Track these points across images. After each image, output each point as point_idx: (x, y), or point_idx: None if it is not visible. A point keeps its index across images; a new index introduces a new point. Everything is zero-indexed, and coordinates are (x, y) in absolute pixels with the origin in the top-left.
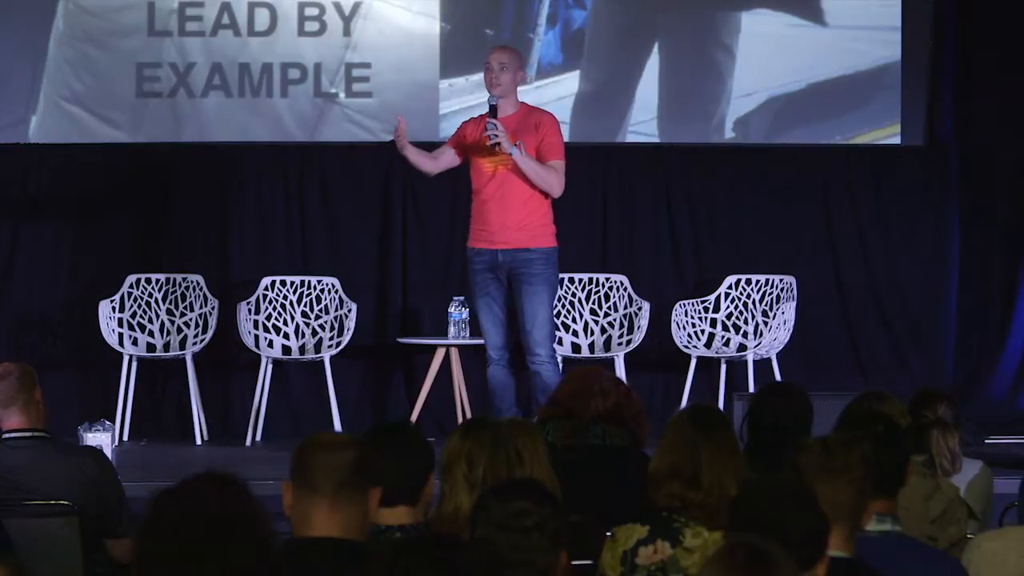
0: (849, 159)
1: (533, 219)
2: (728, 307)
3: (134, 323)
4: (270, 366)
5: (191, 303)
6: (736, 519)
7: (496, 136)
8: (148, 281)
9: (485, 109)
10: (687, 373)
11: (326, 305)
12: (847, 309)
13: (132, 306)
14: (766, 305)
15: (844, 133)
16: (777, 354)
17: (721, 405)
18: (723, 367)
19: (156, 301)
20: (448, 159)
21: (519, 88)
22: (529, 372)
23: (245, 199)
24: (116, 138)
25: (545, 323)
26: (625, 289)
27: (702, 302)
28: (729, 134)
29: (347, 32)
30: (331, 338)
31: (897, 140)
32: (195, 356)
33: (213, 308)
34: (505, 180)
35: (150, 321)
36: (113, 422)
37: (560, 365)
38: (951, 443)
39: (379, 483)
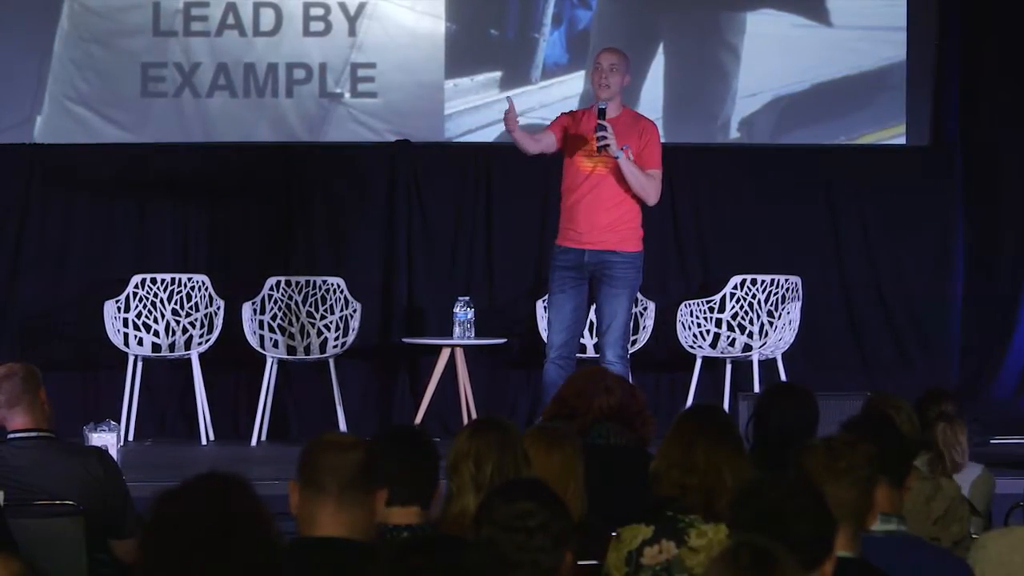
0: (854, 159)
1: (623, 223)
2: (733, 307)
3: (139, 323)
4: (275, 366)
5: (196, 303)
6: (742, 518)
7: (605, 139)
8: (153, 281)
9: (491, 109)
10: (692, 373)
11: (331, 305)
12: (852, 309)
13: (137, 306)
14: (771, 305)
15: (849, 133)
16: (782, 354)
17: (726, 405)
18: (728, 367)
19: (161, 301)
20: (547, 143)
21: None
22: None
23: (250, 199)
24: (121, 138)
25: (621, 326)
26: None
27: (707, 302)
28: (734, 134)
29: (352, 32)
30: (336, 338)
31: (902, 140)
32: (200, 356)
33: (218, 308)
34: (600, 181)
35: (155, 321)
36: (118, 422)
37: (627, 366)
38: (960, 435)
39: (385, 484)
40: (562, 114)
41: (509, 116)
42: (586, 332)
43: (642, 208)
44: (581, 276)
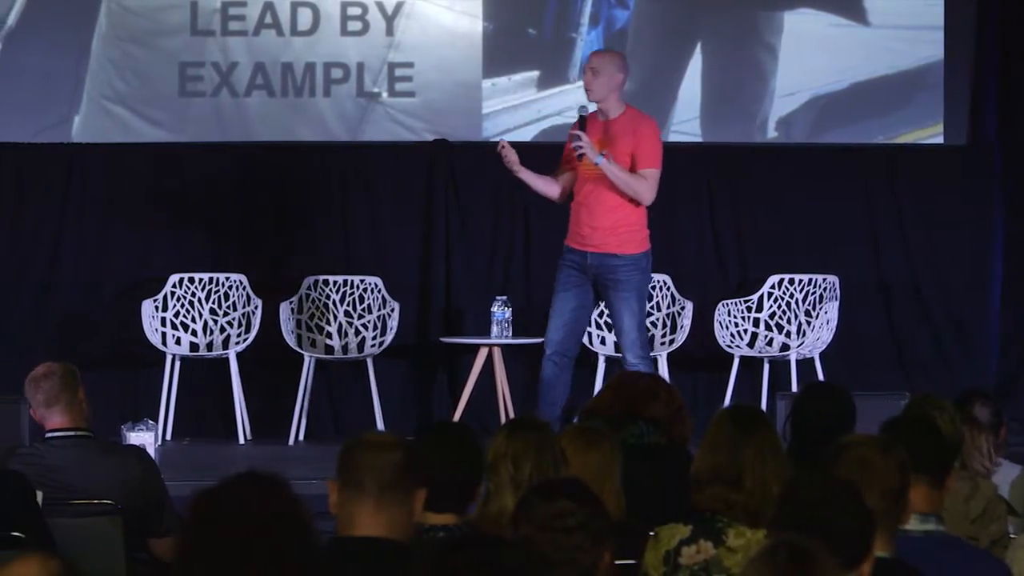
0: (892, 159)
1: (623, 225)
2: (771, 307)
3: (177, 322)
4: (313, 365)
5: (234, 302)
6: (782, 517)
7: (581, 147)
8: (191, 280)
9: (529, 109)
10: (730, 373)
11: (369, 305)
12: (890, 309)
13: (175, 305)
14: (809, 305)
15: (887, 133)
16: (820, 354)
17: (764, 405)
18: (766, 367)
19: (199, 300)
20: (568, 180)
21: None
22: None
23: (288, 199)
24: (159, 138)
25: (633, 329)
26: (668, 288)
27: (745, 301)
28: (772, 134)
29: (390, 32)
30: (374, 338)
31: (940, 140)
32: (238, 355)
33: (256, 307)
34: (599, 185)
35: (193, 320)
36: (156, 421)
37: (651, 365)
38: (979, 442)
39: (425, 484)
40: (569, 134)
41: (510, 160)
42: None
43: (649, 208)
44: (585, 277)
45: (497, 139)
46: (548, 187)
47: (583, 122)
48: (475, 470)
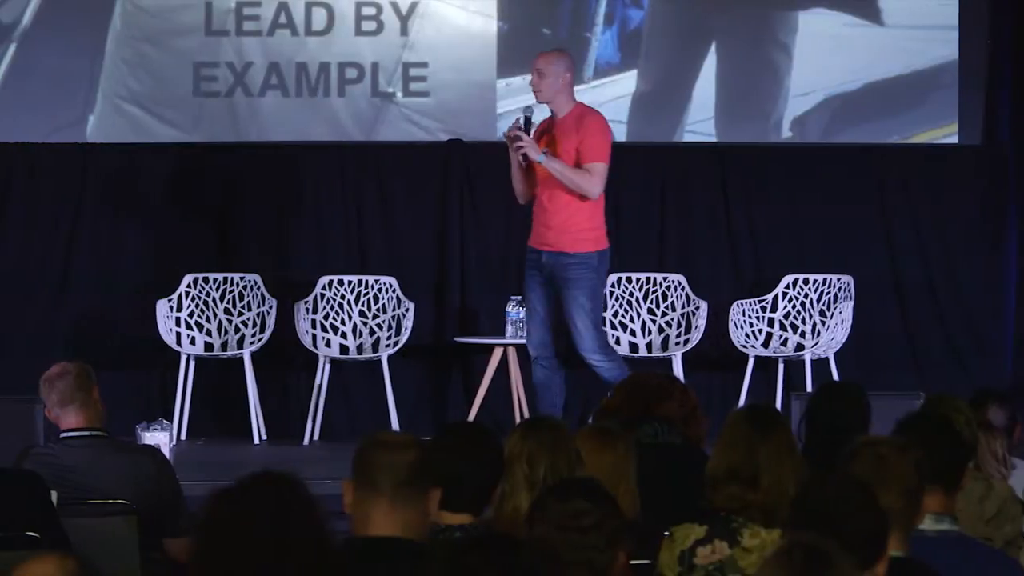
0: (906, 158)
1: (573, 223)
2: (785, 306)
3: (192, 322)
4: (328, 365)
5: (249, 302)
6: (797, 517)
7: (522, 147)
8: (206, 280)
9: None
10: (745, 373)
11: (384, 304)
12: (905, 308)
13: (190, 305)
14: (823, 304)
15: (901, 132)
16: (835, 353)
17: (779, 405)
18: (781, 367)
19: (214, 300)
20: (532, 181)
21: (577, 87)
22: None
23: (303, 198)
24: (173, 138)
25: (588, 327)
26: (683, 288)
27: (759, 301)
28: (786, 133)
29: (404, 31)
30: (389, 337)
31: (954, 139)
32: (253, 355)
33: (271, 307)
34: (550, 184)
35: (208, 320)
36: (171, 421)
37: (617, 361)
38: (994, 446)
39: (442, 485)
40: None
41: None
42: (639, 332)
43: (604, 206)
44: (544, 275)
45: None
46: (517, 185)
47: (527, 122)
48: (494, 471)
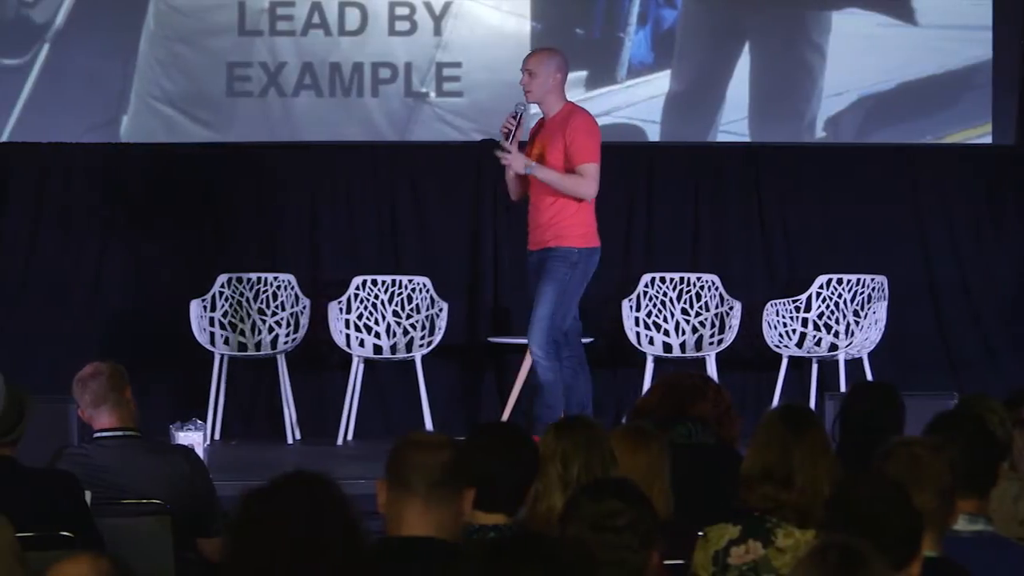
0: (940, 158)
1: (558, 220)
2: (819, 306)
3: (225, 322)
4: (361, 365)
5: (282, 302)
6: (831, 518)
7: (507, 162)
8: (239, 280)
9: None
10: (778, 373)
11: (417, 304)
12: (938, 308)
13: (223, 305)
14: (857, 304)
15: (935, 132)
16: (869, 353)
17: (813, 405)
18: (814, 367)
19: (248, 300)
20: (524, 181)
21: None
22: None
23: (336, 198)
24: (207, 138)
25: (543, 318)
26: (716, 289)
27: (793, 301)
28: (820, 133)
29: (438, 31)
30: (422, 337)
31: (988, 139)
32: (286, 355)
33: (304, 307)
34: (537, 185)
35: (242, 320)
36: (204, 421)
37: (556, 369)
38: None
39: (476, 485)
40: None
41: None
42: (673, 332)
43: (595, 204)
44: (538, 277)
45: None
46: (510, 183)
47: (517, 119)
48: (528, 470)
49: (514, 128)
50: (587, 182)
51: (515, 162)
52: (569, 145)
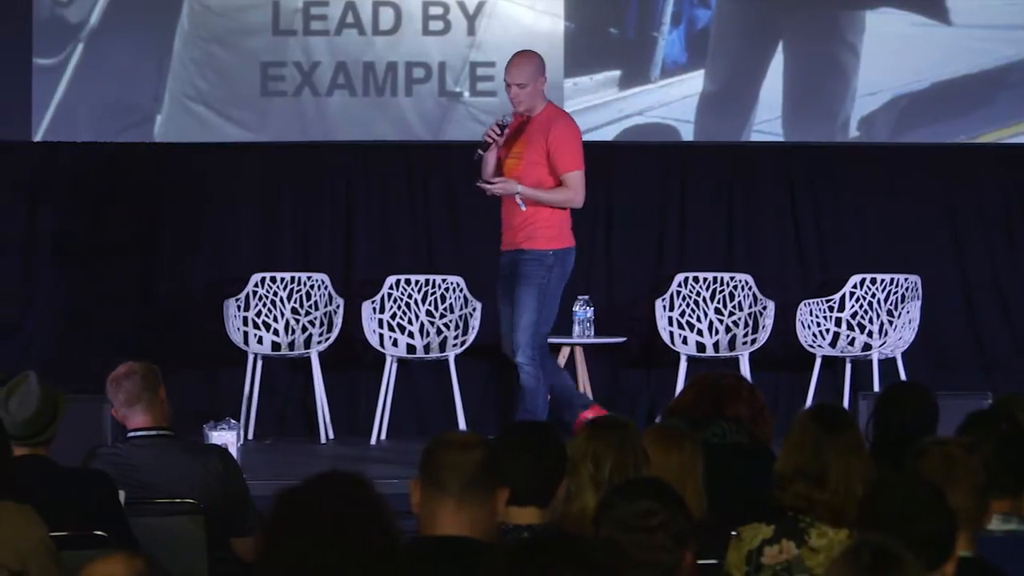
0: (974, 158)
1: (531, 220)
2: (853, 306)
3: (259, 322)
4: (395, 365)
5: (316, 302)
6: (865, 518)
7: (494, 191)
8: (273, 280)
9: (610, 108)
10: (812, 372)
11: (451, 304)
12: (972, 308)
13: (257, 305)
14: (891, 304)
15: (969, 132)
16: (902, 353)
17: (846, 405)
18: (848, 367)
19: (281, 300)
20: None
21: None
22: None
23: (370, 198)
24: (241, 137)
25: (527, 326)
26: (750, 288)
27: (827, 301)
28: (854, 133)
29: (471, 31)
30: (456, 337)
31: (1022, 139)
32: (320, 355)
33: (338, 307)
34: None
35: (275, 320)
36: (238, 420)
37: (539, 376)
38: None
39: (507, 483)
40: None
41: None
42: (706, 332)
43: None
44: (509, 280)
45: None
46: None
47: (503, 128)
48: (557, 468)
49: (498, 138)
50: (574, 192)
51: (507, 188)
52: (553, 152)
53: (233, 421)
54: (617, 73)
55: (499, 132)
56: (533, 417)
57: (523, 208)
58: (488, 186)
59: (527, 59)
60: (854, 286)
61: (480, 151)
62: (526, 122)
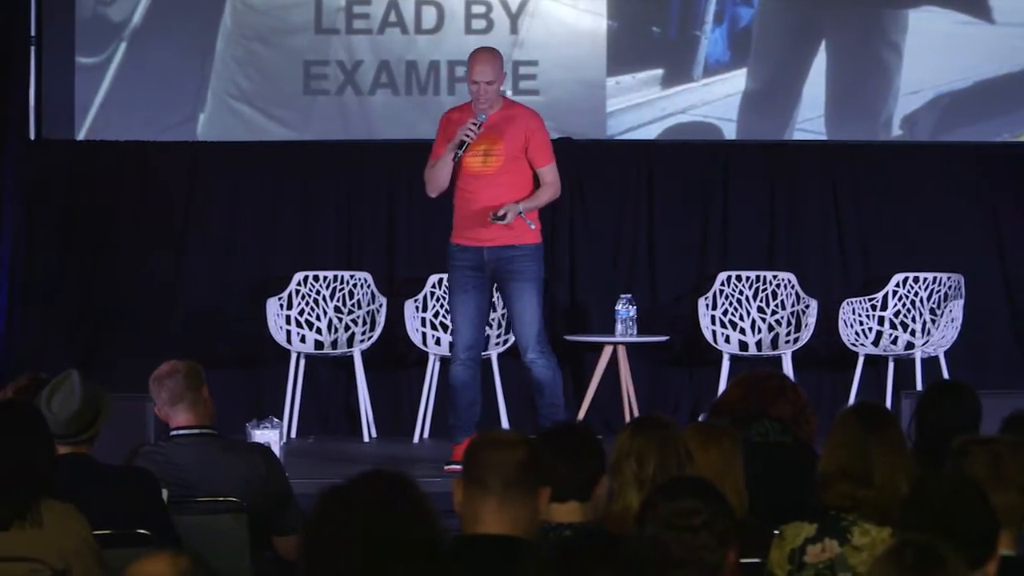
0: (1016, 156)
1: (520, 217)
2: (896, 305)
3: (302, 320)
4: (437, 363)
5: (359, 300)
6: (908, 516)
7: (503, 220)
8: (316, 279)
9: (653, 107)
10: (855, 371)
11: (494, 303)
12: (1015, 307)
13: (300, 303)
14: (934, 303)
15: (1011, 130)
16: (945, 352)
17: (889, 404)
18: (891, 365)
19: (324, 299)
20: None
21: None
22: (523, 371)
23: (412, 197)
24: (283, 136)
25: (535, 320)
26: (792, 287)
27: (870, 300)
28: (896, 132)
29: (514, 30)
30: (498, 335)
31: None
32: (363, 353)
33: (381, 305)
34: (489, 182)
35: (318, 319)
36: (281, 419)
37: (553, 360)
38: None
39: (549, 482)
40: (437, 135)
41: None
42: (749, 330)
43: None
44: (482, 275)
45: (622, 137)
46: (442, 180)
47: (479, 128)
48: (596, 464)
49: (473, 139)
50: (555, 186)
51: (514, 213)
52: (534, 146)
53: (276, 420)
54: (659, 72)
55: (476, 131)
56: (559, 409)
57: (520, 210)
58: (503, 222)
59: (493, 56)
60: (897, 284)
61: (459, 151)
62: (489, 121)
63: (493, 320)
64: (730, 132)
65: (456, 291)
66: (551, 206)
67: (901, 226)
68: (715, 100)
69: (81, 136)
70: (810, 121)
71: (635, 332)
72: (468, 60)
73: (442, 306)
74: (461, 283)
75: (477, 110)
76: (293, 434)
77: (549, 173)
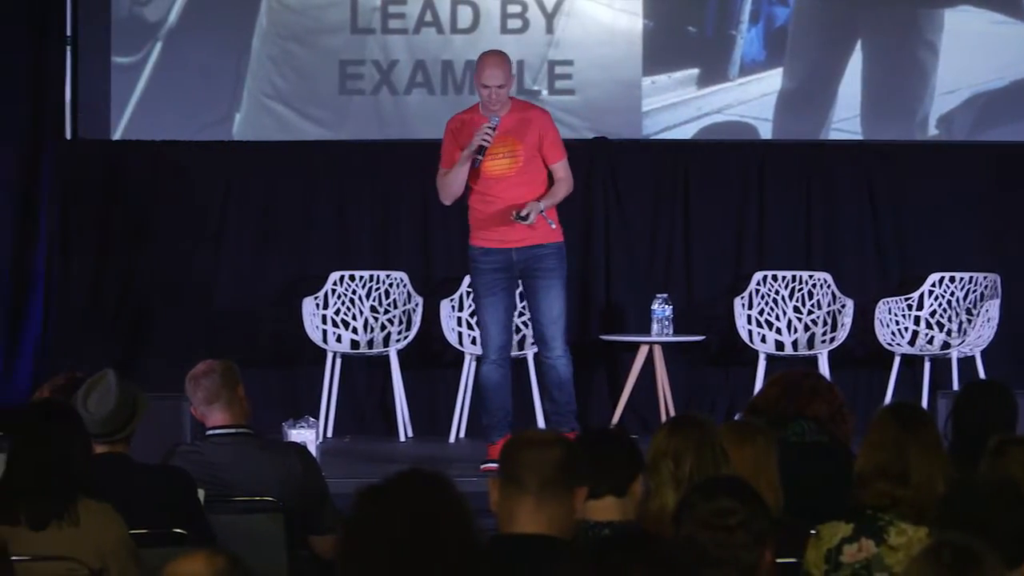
0: None
1: (547, 215)
2: (932, 304)
3: (338, 320)
4: (473, 363)
5: (395, 300)
6: (945, 517)
7: (526, 219)
8: (352, 278)
9: (689, 107)
10: (891, 371)
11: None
12: None
13: (336, 303)
14: (970, 303)
15: None
16: (981, 352)
17: (925, 403)
18: (927, 365)
19: (360, 298)
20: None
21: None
22: (543, 367)
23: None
24: (319, 136)
25: (562, 316)
26: (829, 287)
27: (906, 299)
28: (932, 131)
29: (550, 30)
30: (533, 336)
31: None
32: (399, 353)
33: (417, 305)
34: (511, 183)
35: (354, 318)
36: (317, 418)
37: (571, 359)
38: None
39: (585, 482)
40: (446, 141)
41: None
42: (785, 330)
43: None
44: (510, 276)
45: (657, 137)
46: (457, 187)
47: (494, 131)
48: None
49: (490, 143)
50: (568, 181)
51: (534, 211)
52: (548, 143)
53: (312, 419)
54: (695, 71)
55: (493, 135)
56: (574, 414)
57: (541, 210)
58: (526, 222)
59: (502, 59)
60: (933, 284)
61: (479, 156)
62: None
63: (528, 321)
64: (766, 132)
65: (484, 294)
66: (587, 207)
67: (937, 226)
68: (751, 100)
69: (117, 136)
70: (846, 121)
71: (671, 332)
72: (476, 64)
73: None
74: (489, 285)
75: (488, 113)
76: (329, 434)
77: (562, 169)
